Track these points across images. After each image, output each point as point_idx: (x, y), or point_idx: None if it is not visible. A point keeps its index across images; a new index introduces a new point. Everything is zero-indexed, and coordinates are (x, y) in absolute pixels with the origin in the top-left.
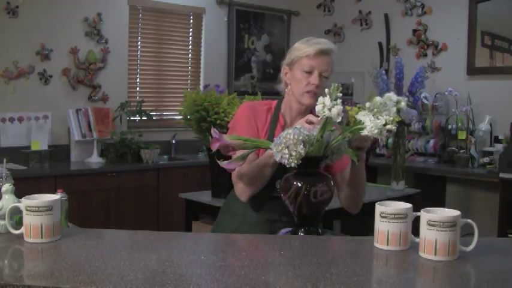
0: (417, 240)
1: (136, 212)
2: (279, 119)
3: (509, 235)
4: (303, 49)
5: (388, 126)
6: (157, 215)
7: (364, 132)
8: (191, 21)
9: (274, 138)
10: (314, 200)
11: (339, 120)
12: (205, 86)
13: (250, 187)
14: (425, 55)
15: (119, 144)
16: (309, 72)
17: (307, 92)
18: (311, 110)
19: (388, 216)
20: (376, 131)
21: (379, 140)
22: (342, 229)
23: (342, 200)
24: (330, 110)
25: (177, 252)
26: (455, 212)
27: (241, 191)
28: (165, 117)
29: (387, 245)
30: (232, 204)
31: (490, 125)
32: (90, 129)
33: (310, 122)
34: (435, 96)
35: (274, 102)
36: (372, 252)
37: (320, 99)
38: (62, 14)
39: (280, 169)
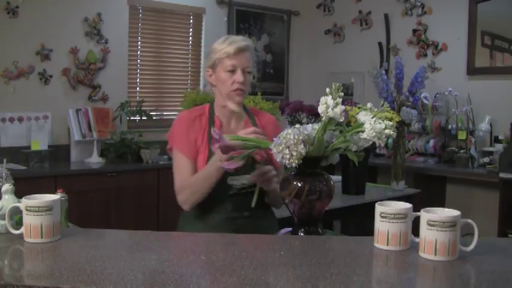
0: (417, 240)
1: (136, 212)
2: (215, 121)
3: (509, 235)
4: (222, 50)
5: (387, 131)
6: (157, 215)
7: (363, 136)
8: (191, 21)
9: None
10: (314, 200)
11: (342, 119)
12: (205, 86)
13: (193, 197)
14: (426, 55)
15: (119, 144)
16: (232, 71)
17: (233, 90)
18: (244, 107)
19: (388, 216)
20: (374, 134)
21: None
22: (341, 229)
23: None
24: (332, 109)
25: (177, 252)
26: (455, 212)
27: (184, 200)
28: (165, 117)
29: (387, 245)
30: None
31: (490, 125)
32: (90, 129)
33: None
34: (435, 96)
35: (207, 106)
36: (372, 252)
37: (322, 99)
38: (62, 14)
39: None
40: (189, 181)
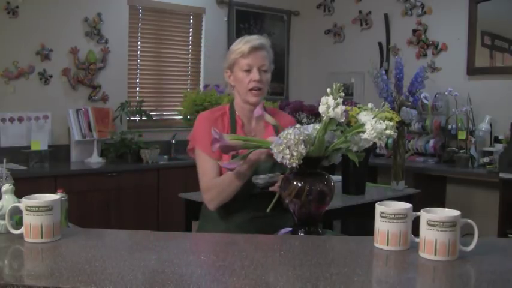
0: (417, 240)
1: (137, 212)
2: (237, 121)
3: (509, 235)
4: (237, 50)
5: (388, 132)
6: (157, 215)
7: (364, 136)
8: (191, 21)
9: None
10: (314, 200)
11: (342, 120)
12: (205, 86)
13: (220, 197)
14: (425, 55)
15: (119, 144)
16: (248, 71)
17: (250, 89)
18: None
19: (388, 216)
20: (374, 134)
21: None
22: (341, 229)
23: None
24: (333, 110)
25: (177, 252)
26: (455, 212)
27: (209, 200)
28: (165, 117)
29: (387, 245)
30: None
31: (490, 125)
32: (90, 129)
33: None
34: (435, 96)
35: (227, 106)
36: (372, 252)
37: (323, 99)
38: (62, 14)
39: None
40: (216, 181)
